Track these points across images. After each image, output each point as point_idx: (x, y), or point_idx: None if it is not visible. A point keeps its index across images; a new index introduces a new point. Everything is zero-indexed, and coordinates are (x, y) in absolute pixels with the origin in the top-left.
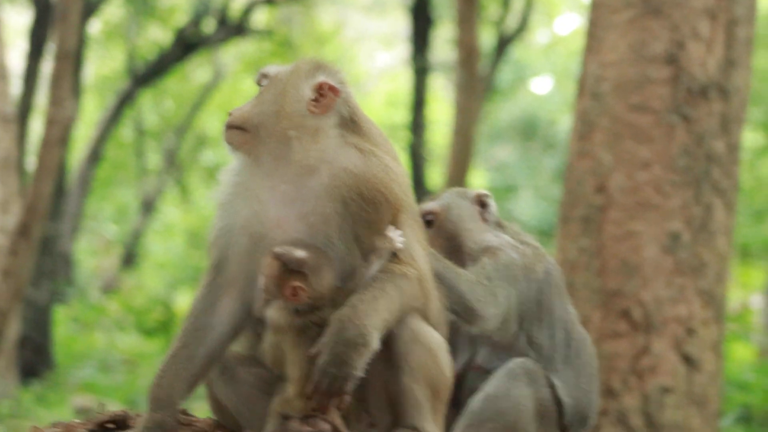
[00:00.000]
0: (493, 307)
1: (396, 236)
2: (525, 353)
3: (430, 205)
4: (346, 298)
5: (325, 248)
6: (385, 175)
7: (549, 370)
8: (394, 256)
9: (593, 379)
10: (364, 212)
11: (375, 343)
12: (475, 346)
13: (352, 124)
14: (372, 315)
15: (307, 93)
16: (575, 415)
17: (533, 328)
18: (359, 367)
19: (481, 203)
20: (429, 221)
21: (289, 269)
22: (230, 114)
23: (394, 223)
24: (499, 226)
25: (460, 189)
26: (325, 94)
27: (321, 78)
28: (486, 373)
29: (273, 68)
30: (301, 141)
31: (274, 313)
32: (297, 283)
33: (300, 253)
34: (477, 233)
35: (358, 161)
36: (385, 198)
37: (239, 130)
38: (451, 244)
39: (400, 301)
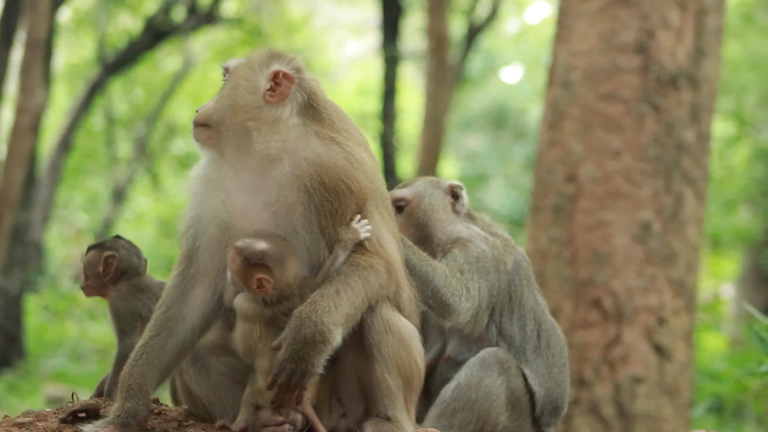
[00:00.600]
0: (466, 300)
1: (361, 226)
2: (496, 344)
3: (402, 192)
4: (315, 289)
5: (290, 238)
6: (347, 164)
7: (520, 360)
8: (362, 246)
9: (564, 369)
10: (326, 202)
11: (335, 339)
12: (446, 337)
13: (312, 111)
14: (333, 311)
15: (263, 83)
16: (547, 405)
17: (504, 319)
18: (317, 363)
19: (454, 194)
20: (400, 207)
21: (252, 262)
22: (197, 112)
23: (361, 212)
24: (470, 217)
25: (433, 178)
26: (281, 83)
27: (275, 67)
28: (457, 364)
29: (233, 62)
30: (261, 131)
31: (242, 303)
32: (261, 275)
33: (261, 246)
34: (447, 224)
35: (319, 150)
36: (347, 187)
37: (204, 127)
38: (420, 233)
39: (365, 293)
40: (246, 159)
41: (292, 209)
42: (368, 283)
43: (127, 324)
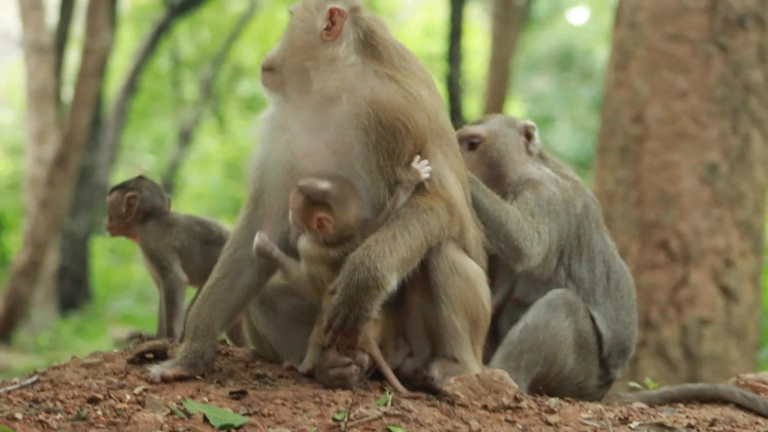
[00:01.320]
0: (538, 245)
1: (422, 167)
2: (564, 286)
3: (477, 129)
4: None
5: (350, 178)
6: (404, 102)
7: (589, 302)
8: (423, 187)
9: (633, 311)
10: (383, 141)
11: (389, 284)
12: (514, 278)
13: (371, 50)
14: (387, 256)
15: (320, 22)
16: (615, 347)
17: (573, 261)
18: (371, 308)
19: (527, 134)
20: (474, 144)
21: (313, 201)
22: (264, 57)
23: (421, 152)
24: (542, 158)
25: (508, 117)
26: (335, 21)
27: (330, 5)
28: (525, 305)
29: (297, 5)
30: (318, 70)
31: (305, 245)
32: (322, 215)
33: (323, 185)
34: (520, 164)
35: (377, 88)
36: (404, 126)
37: (270, 71)
38: (492, 172)
39: (424, 237)
40: (306, 99)
41: (350, 148)
42: (427, 226)
43: (165, 260)
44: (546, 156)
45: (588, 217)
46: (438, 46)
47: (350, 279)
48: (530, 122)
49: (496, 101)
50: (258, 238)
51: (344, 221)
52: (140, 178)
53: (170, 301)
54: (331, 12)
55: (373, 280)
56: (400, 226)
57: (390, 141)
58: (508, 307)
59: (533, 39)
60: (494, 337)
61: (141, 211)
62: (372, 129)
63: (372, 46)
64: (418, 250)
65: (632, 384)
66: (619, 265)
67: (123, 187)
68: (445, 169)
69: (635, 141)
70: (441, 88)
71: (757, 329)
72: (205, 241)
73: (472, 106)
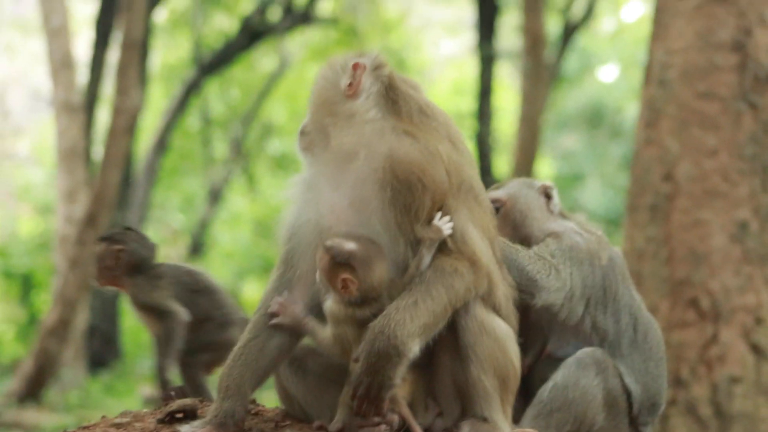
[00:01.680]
0: (556, 280)
1: (443, 224)
2: (590, 337)
3: (497, 194)
4: (402, 291)
5: (370, 235)
6: (420, 158)
7: (615, 355)
8: (446, 245)
9: (662, 364)
10: (400, 197)
11: (411, 351)
12: (545, 334)
13: (392, 106)
14: (408, 323)
15: (343, 79)
16: (645, 402)
17: (598, 313)
18: (394, 376)
19: (546, 194)
20: (496, 209)
21: (338, 262)
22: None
23: (442, 208)
24: (563, 216)
25: (525, 179)
26: (356, 76)
27: (353, 61)
28: (556, 360)
29: (323, 65)
30: (337, 126)
31: (331, 306)
32: (346, 275)
33: (349, 246)
34: (543, 222)
35: (393, 144)
36: (420, 181)
37: (303, 134)
38: (517, 234)
39: (448, 300)
40: (328, 156)
41: (368, 204)
42: (452, 289)
43: (163, 305)
44: (567, 214)
45: (614, 270)
46: (468, 103)
47: (371, 348)
48: (548, 183)
49: (526, 159)
50: (278, 312)
51: (368, 283)
52: (127, 229)
53: (168, 337)
54: (354, 67)
55: (393, 349)
56: (422, 291)
57: (407, 197)
58: (540, 363)
59: (563, 96)
60: (527, 395)
61: (129, 264)
62: (387, 184)
63: (393, 101)
64: (442, 314)
65: None
66: (646, 318)
67: (109, 239)
68: (469, 226)
69: (665, 199)
70: (471, 146)
71: None
72: (192, 291)
73: (502, 164)
